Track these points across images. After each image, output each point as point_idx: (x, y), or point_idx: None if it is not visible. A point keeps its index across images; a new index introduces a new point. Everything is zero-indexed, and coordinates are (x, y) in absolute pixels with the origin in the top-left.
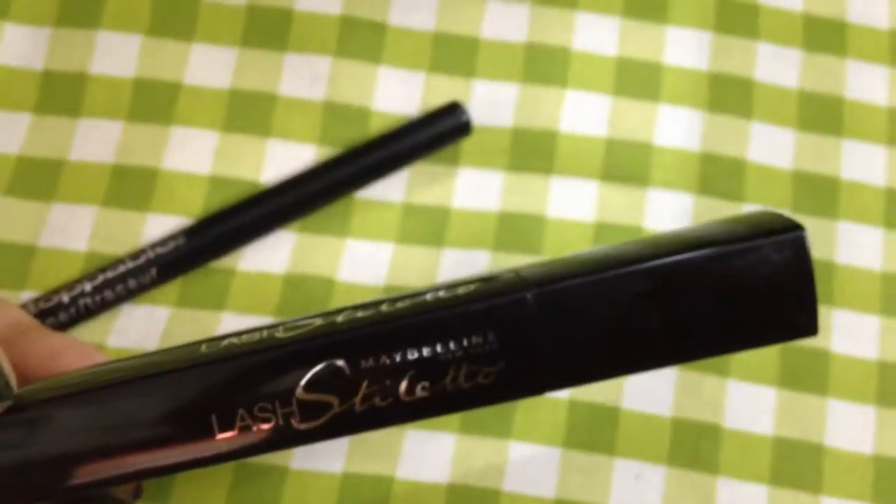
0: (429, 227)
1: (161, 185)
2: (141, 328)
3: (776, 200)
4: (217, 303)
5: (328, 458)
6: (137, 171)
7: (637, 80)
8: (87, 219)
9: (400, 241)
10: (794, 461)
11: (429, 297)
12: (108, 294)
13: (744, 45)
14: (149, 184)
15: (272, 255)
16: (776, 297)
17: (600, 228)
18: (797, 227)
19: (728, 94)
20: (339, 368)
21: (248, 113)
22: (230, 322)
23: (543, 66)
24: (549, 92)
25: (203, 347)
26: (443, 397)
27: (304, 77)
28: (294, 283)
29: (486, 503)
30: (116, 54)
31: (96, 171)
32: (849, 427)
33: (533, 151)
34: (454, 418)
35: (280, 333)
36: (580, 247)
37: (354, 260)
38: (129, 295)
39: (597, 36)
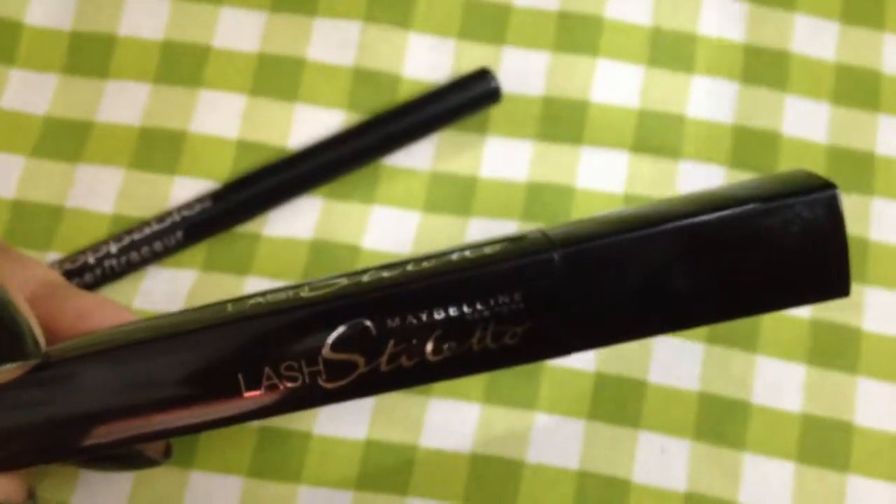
0: (456, 195)
1: (188, 149)
2: (166, 291)
3: None
4: (242, 267)
5: (352, 424)
6: (165, 133)
7: (671, 50)
8: (114, 181)
9: (427, 210)
10: (822, 439)
11: (455, 256)
12: (134, 256)
13: (780, 16)
14: (176, 147)
15: (298, 220)
16: (808, 256)
17: (629, 200)
18: (830, 186)
19: (763, 66)
20: (365, 328)
21: (277, 77)
22: (255, 286)
23: (575, 34)
24: (580, 61)
25: (229, 307)
26: (469, 357)
27: (333, 42)
28: (319, 249)
29: (509, 473)
30: (145, 16)
31: (124, 133)
32: (879, 406)
33: (563, 121)
34: (479, 388)
35: (306, 293)
36: None
37: (380, 227)
38: (155, 257)
39: (631, 4)
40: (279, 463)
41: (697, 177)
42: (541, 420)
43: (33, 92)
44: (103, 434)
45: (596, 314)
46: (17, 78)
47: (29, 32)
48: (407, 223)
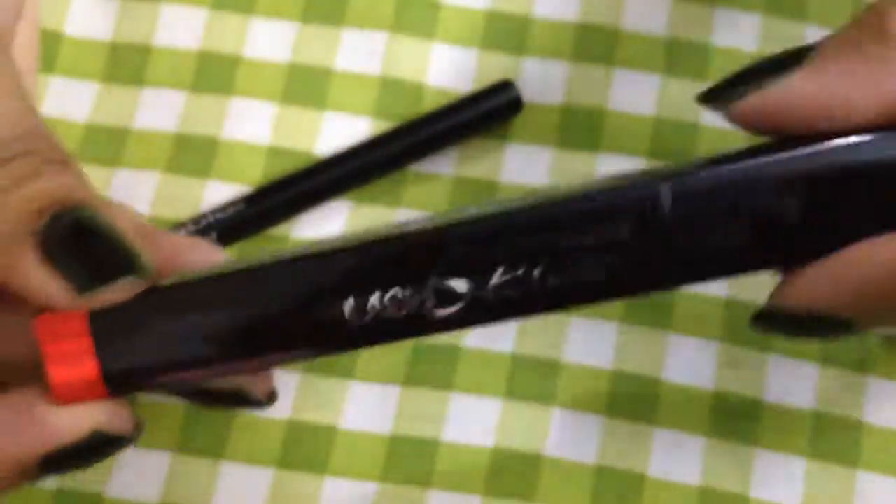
0: (478, 199)
1: (221, 154)
2: None
3: None
4: None
5: (376, 419)
6: (199, 139)
7: (687, 60)
8: (151, 184)
9: None
10: (833, 436)
11: (560, 191)
12: None
13: (794, 28)
14: (210, 152)
15: (327, 223)
16: None
17: None
18: None
19: None
20: (473, 254)
21: (306, 86)
22: None
23: (594, 44)
24: (598, 70)
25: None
26: (577, 286)
27: (360, 52)
28: None
29: (527, 467)
30: (181, 26)
31: (160, 138)
32: (889, 404)
33: (582, 129)
34: (500, 383)
35: (412, 226)
36: None
37: None
38: None
39: (648, 16)
40: (307, 455)
41: None
42: (558, 415)
43: (73, 100)
44: (217, 359)
45: (700, 244)
46: (58, 86)
47: (69, 42)
48: None
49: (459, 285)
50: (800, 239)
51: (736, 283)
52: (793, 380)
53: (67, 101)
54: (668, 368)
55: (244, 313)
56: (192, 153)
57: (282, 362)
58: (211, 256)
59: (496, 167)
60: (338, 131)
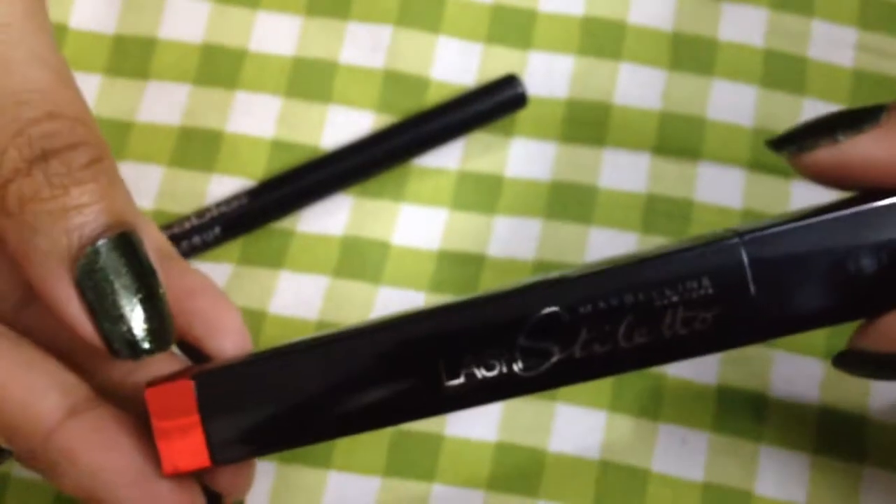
0: (482, 194)
1: (225, 148)
2: None
3: None
4: (276, 262)
5: (482, 426)
6: (203, 133)
7: (693, 54)
8: (155, 178)
9: (454, 208)
10: (838, 431)
11: (643, 251)
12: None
13: (800, 23)
14: (214, 146)
15: (330, 217)
16: None
17: (651, 200)
18: None
19: (783, 72)
20: (557, 315)
21: (311, 79)
22: (289, 280)
23: (599, 38)
24: (603, 64)
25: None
26: (661, 343)
27: (365, 46)
28: (350, 245)
29: (531, 462)
30: (185, 19)
31: (164, 132)
32: (893, 400)
33: (586, 123)
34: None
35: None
36: (631, 218)
37: (409, 224)
38: (194, 251)
39: (652, 9)
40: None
41: (718, 179)
42: (562, 411)
43: None
44: (311, 427)
45: (782, 298)
46: None
47: (73, 35)
48: (435, 221)
49: (547, 346)
50: (875, 288)
51: None
52: (797, 376)
53: None
54: (673, 364)
55: (349, 386)
56: (196, 147)
57: (375, 428)
58: (220, 305)
59: (501, 162)
60: (342, 125)
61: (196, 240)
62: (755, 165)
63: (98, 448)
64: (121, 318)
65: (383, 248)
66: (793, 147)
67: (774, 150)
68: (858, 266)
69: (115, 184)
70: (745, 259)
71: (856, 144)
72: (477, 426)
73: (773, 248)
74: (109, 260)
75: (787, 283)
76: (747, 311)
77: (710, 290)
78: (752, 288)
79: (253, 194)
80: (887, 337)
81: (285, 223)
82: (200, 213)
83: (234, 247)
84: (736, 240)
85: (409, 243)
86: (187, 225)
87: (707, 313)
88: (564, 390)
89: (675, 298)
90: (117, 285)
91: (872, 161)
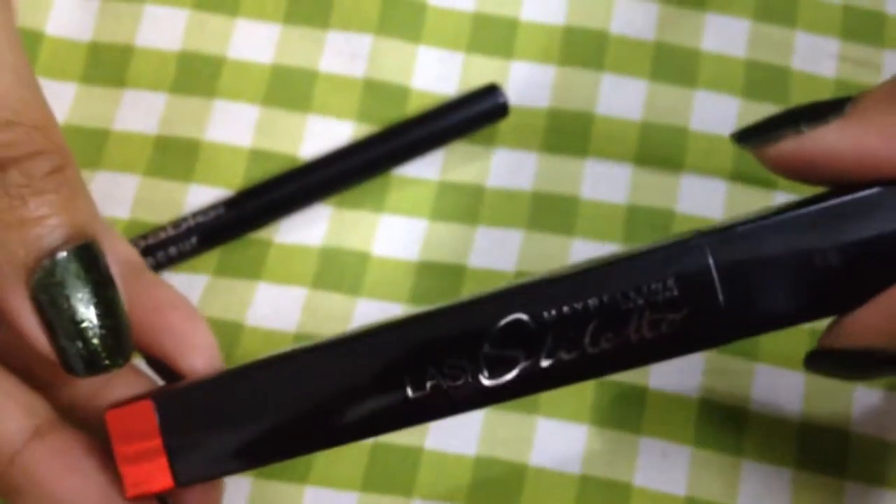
0: (463, 204)
1: (203, 157)
2: None
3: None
4: (254, 273)
5: (461, 439)
6: (180, 142)
7: (675, 64)
8: (130, 187)
9: (434, 218)
10: (820, 446)
11: (604, 255)
12: (149, 260)
13: (783, 34)
14: (191, 155)
15: (309, 228)
16: None
17: (633, 211)
18: None
19: (766, 82)
20: (522, 322)
21: (289, 88)
22: (266, 291)
23: (581, 48)
24: (585, 74)
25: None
26: (629, 347)
27: (344, 54)
28: (329, 256)
29: (511, 476)
30: (162, 27)
31: (140, 141)
32: (875, 414)
33: (568, 133)
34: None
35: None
36: (613, 229)
37: (389, 235)
38: (170, 262)
39: (634, 21)
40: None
41: (699, 189)
42: (543, 425)
43: (52, 101)
44: (276, 445)
45: (750, 298)
46: None
47: (49, 42)
48: (415, 231)
49: (513, 353)
50: (842, 284)
51: None
52: (779, 389)
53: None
54: (654, 377)
55: (313, 402)
56: (173, 156)
57: (342, 443)
58: (191, 321)
59: (482, 172)
60: (321, 134)
61: (172, 250)
62: (737, 176)
63: (62, 471)
64: (77, 334)
65: (362, 259)
66: (757, 139)
67: (739, 142)
68: (825, 263)
69: (77, 193)
70: (711, 259)
71: (819, 136)
72: (456, 440)
73: (739, 246)
74: (66, 273)
75: (754, 282)
76: (714, 311)
77: (676, 292)
78: (718, 288)
79: (230, 204)
80: (855, 334)
81: (263, 234)
82: (177, 223)
83: (211, 257)
84: (700, 240)
85: (389, 254)
86: (163, 235)
87: (674, 315)
88: (544, 403)
89: (640, 301)
90: (73, 300)
91: (836, 153)
